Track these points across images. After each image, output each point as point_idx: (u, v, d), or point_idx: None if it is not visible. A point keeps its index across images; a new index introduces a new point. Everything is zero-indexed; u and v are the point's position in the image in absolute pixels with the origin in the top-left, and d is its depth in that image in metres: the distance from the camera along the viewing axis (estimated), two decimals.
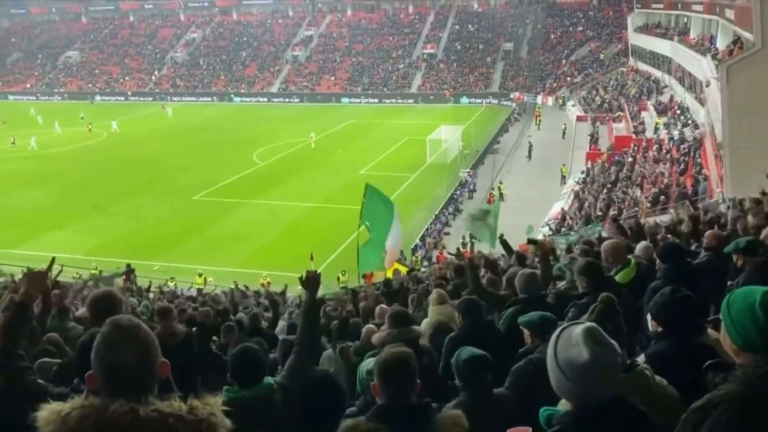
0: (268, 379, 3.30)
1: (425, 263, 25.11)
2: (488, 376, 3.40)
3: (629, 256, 5.49)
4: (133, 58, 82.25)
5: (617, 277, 5.20)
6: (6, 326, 2.90)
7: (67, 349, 4.41)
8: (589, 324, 1.97)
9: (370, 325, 5.92)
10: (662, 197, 23.06)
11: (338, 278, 21.65)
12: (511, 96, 62.12)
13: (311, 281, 3.80)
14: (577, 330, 1.93)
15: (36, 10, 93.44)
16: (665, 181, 25.33)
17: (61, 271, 12.42)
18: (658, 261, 5.16)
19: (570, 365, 1.86)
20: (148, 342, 1.82)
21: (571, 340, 1.91)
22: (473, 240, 23.31)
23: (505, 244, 8.54)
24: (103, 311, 3.32)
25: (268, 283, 21.99)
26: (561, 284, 5.64)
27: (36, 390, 2.78)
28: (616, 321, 3.21)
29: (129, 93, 75.65)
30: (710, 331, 2.99)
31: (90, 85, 78.28)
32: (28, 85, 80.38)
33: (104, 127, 54.81)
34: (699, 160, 26.33)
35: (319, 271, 3.96)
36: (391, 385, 2.58)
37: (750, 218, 6.30)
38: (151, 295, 14.22)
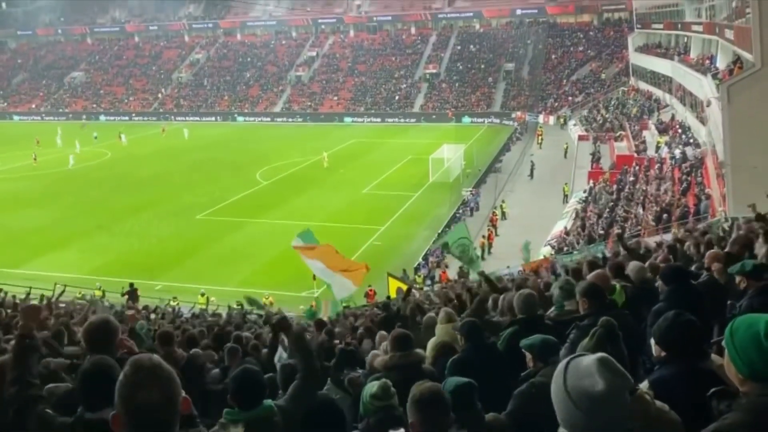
0: (269, 402, 3.31)
1: (428, 282, 25.07)
2: (476, 403, 3.35)
3: (613, 282, 5.51)
4: (138, 79, 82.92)
5: (618, 301, 5.22)
6: (14, 357, 3.01)
7: (62, 375, 4.38)
8: (600, 354, 1.94)
9: (375, 351, 5.89)
10: (665, 216, 23.05)
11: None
12: (513, 115, 62.40)
13: (281, 325, 3.84)
14: (588, 360, 1.91)
15: (42, 32, 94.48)
16: (667, 199, 25.33)
17: (63, 292, 12.46)
18: (660, 283, 5.16)
19: (584, 396, 1.83)
20: (170, 380, 1.85)
21: (581, 371, 1.88)
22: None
23: (487, 280, 8.29)
24: (99, 340, 3.33)
25: (271, 303, 21.93)
26: (551, 310, 5.61)
27: (43, 421, 2.82)
28: (617, 345, 3.20)
29: (133, 113, 76.18)
30: (714, 356, 2.98)
31: (95, 105, 78.87)
32: (34, 106, 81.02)
33: (108, 146, 55.15)
34: (701, 179, 26.34)
35: (284, 314, 4.08)
36: (428, 421, 2.61)
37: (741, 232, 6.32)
38: (152, 316, 14.17)
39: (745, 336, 1.86)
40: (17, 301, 12.37)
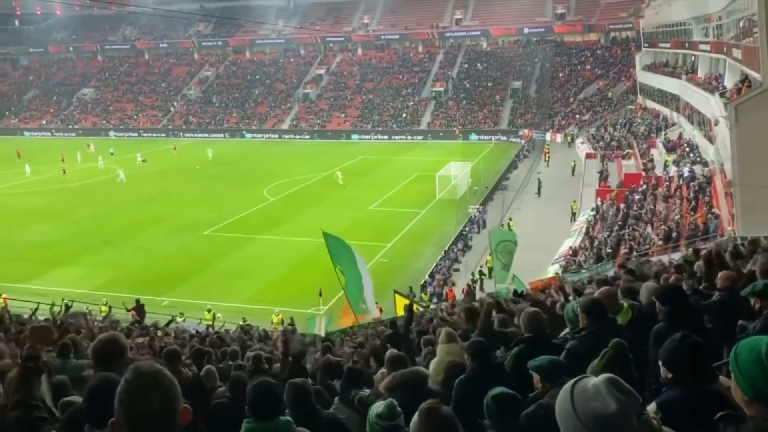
0: (287, 418, 3.37)
1: (434, 300, 24.99)
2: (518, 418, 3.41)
3: (621, 302, 5.49)
4: (147, 96, 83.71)
5: (619, 321, 5.20)
6: (19, 380, 3.02)
7: (72, 391, 4.39)
8: (607, 375, 1.93)
9: (384, 370, 5.86)
10: (673, 235, 22.94)
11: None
12: (520, 133, 62.53)
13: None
14: (596, 381, 1.90)
15: (54, 49, 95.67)
16: (676, 218, 25.22)
17: (70, 307, 12.49)
18: (657, 303, 5.10)
19: (595, 418, 1.82)
20: (171, 388, 1.85)
21: (589, 392, 1.87)
22: (482, 277, 23.28)
23: (497, 303, 8.34)
24: (107, 357, 3.34)
25: (282, 320, 21.92)
26: (565, 331, 5.60)
27: None
28: (627, 367, 3.19)
29: (142, 130, 76.83)
30: (722, 378, 2.96)
31: (104, 122, 79.60)
32: (44, 122, 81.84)
33: (118, 162, 55.58)
34: (709, 198, 26.24)
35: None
36: None
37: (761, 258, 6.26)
38: (159, 333, 14.18)
39: (748, 358, 1.86)
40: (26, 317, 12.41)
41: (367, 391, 5.31)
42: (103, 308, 21.66)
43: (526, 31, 78.02)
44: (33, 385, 3.07)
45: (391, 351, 5.12)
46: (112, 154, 58.21)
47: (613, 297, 5.38)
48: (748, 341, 1.92)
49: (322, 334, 16.85)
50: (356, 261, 16.27)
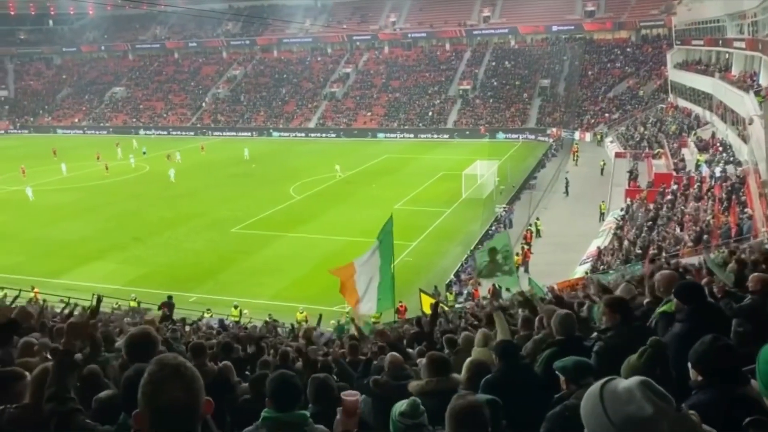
0: (305, 412, 3.44)
1: (459, 299, 24.87)
2: (500, 422, 3.44)
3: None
4: (177, 94, 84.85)
5: (664, 307, 5.08)
6: (54, 374, 3.10)
7: (105, 380, 4.45)
8: (641, 377, 1.89)
9: (393, 353, 5.84)
10: (704, 236, 22.50)
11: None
12: (548, 131, 61.97)
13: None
14: (628, 384, 1.86)
15: (86, 48, 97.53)
16: (707, 219, 24.74)
17: (100, 302, 12.71)
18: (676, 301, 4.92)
19: (631, 422, 1.78)
20: (193, 380, 1.86)
21: (621, 396, 1.83)
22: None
23: (526, 300, 8.22)
24: (140, 351, 3.39)
25: (306, 318, 22.03)
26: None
27: (85, 431, 2.88)
28: (666, 366, 3.10)
29: (171, 128, 77.91)
30: (753, 381, 2.88)
31: (134, 120, 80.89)
32: (76, 120, 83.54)
33: (147, 160, 56.49)
34: (743, 198, 25.68)
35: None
36: None
37: None
38: (187, 329, 14.35)
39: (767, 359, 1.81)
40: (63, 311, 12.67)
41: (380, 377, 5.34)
42: (132, 303, 22.00)
43: (555, 28, 77.23)
44: (67, 379, 3.14)
45: (434, 353, 5.09)
46: (144, 153, 58.96)
47: (675, 282, 5.22)
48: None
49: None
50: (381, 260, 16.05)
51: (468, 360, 5.50)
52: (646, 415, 1.78)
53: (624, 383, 1.87)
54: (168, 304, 21.00)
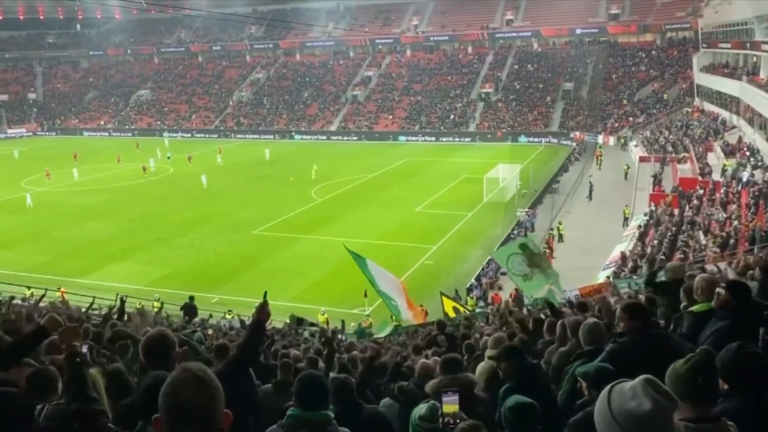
0: (329, 413, 3.47)
1: (480, 303, 24.76)
2: (536, 425, 3.41)
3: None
4: (201, 97, 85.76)
5: (695, 308, 5.04)
6: (68, 376, 3.17)
7: (130, 380, 4.49)
8: (646, 375, 1.94)
9: (424, 360, 5.87)
10: (731, 242, 22.13)
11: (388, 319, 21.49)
12: (571, 135, 61.46)
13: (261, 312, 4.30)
14: (633, 382, 1.90)
15: (112, 52, 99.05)
16: (734, 225, 24.32)
17: (125, 302, 12.86)
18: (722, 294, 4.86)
19: (630, 418, 1.82)
20: (213, 388, 1.90)
21: (626, 393, 1.87)
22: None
23: (550, 305, 8.23)
24: (156, 353, 3.41)
25: (327, 320, 22.10)
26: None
27: None
28: (713, 376, 3.02)
29: (195, 130, 78.71)
30: None
31: (159, 123, 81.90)
32: (102, 122, 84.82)
33: (172, 162, 57.20)
34: None
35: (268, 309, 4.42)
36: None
37: None
38: (210, 331, 14.45)
39: None
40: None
41: (407, 383, 5.35)
42: (156, 304, 22.22)
43: (578, 31, 76.63)
44: (86, 378, 3.18)
45: (448, 355, 5.11)
46: (168, 158, 58.97)
47: (714, 286, 5.16)
48: None
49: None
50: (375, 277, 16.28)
51: (485, 365, 5.49)
52: (644, 410, 1.81)
53: (631, 382, 1.92)
54: (190, 306, 21.24)
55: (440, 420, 3.08)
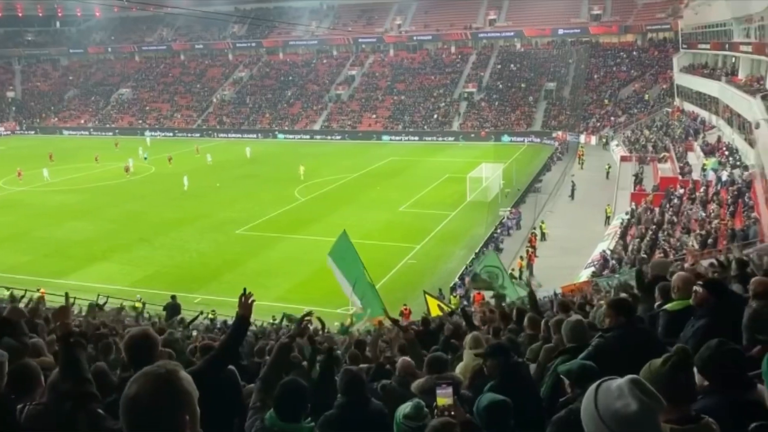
0: (310, 424, 3.41)
1: (463, 302, 24.82)
2: (510, 422, 3.41)
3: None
4: (183, 96, 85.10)
5: (669, 306, 5.11)
6: (63, 356, 3.10)
7: (113, 380, 4.45)
8: (632, 375, 1.95)
9: (405, 358, 5.86)
10: (710, 240, 22.43)
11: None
12: (554, 135, 61.89)
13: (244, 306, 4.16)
14: (619, 382, 1.90)
15: (93, 50, 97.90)
16: (713, 223, 24.66)
17: (106, 302, 12.75)
18: (700, 292, 4.94)
19: (616, 418, 1.83)
20: (171, 388, 1.84)
21: (612, 393, 1.87)
22: (513, 280, 22.98)
23: (532, 299, 8.31)
24: (140, 352, 3.37)
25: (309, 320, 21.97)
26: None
27: (93, 419, 2.87)
28: (690, 375, 3.08)
29: (177, 129, 78.08)
30: (760, 386, 2.86)
31: (140, 122, 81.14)
32: (83, 121, 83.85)
33: (153, 161, 56.70)
34: (750, 202, 25.61)
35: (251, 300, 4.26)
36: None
37: None
38: (194, 333, 14.35)
39: None
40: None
41: (389, 381, 5.36)
42: (138, 304, 22.03)
43: (560, 32, 77.16)
44: (80, 358, 3.13)
45: (433, 354, 5.12)
46: (145, 159, 58.00)
47: (690, 284, 5.23)
48: None
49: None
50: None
51: (463, 365, 5.53)
52: (631, 411, 1.82)
53: (617, 381, 1.92)
54: (172, 306, 21.06)
55: (435, 412, 3.09)
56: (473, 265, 15.96)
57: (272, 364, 3.98)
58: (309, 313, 4.23)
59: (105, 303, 16.84)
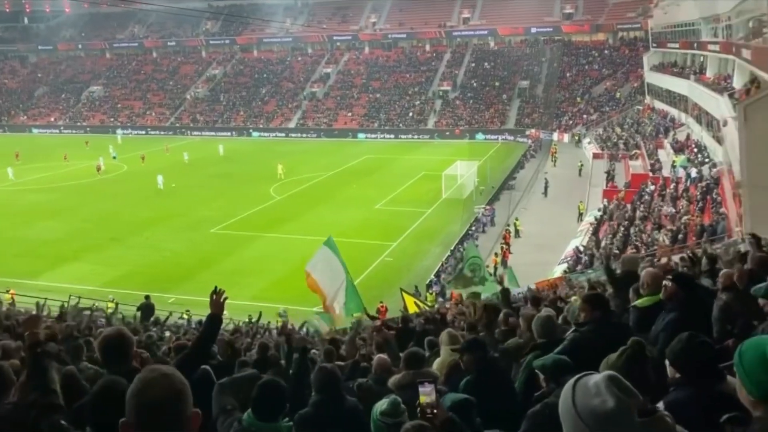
0: (288, 423, 3.37)
1: (439, 299, 24.94)
2: (474, 420, 3.44)
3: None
4: (155, 93, 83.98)
5: (639, 302, 5.19)
6: (30, 366, 3.07)
7: (84, 384, 4.39)
8: (609, 372, 1.94)
9: (382, 356, 5.88)
10: (680, 236, 22.85)
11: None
12: (527, 133, 62.41)
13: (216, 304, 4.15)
14: (597, 378, 1.90)
15: (63, 47, 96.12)
16: (683, 219, 25.11)
17: (78, 303, 12.55)
18: (669, 286, 5.05)
19: (593, 415, 1.82)
20: (181, 385, 1.90)
21: (590, 389, 1.87)
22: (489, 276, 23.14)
23: (504, 295, 8.34)
24: (114, 352, 3.33)
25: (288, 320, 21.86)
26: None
27: (56, 431, 2.84)
28: (644, 367, 3.15)
29: (149, 127, 77.04)
30: (730, 378, 2.93)
31: (112, 119, 79.89)
32: (53, 119, 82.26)
33: (125, 160, 55.89)
34: (718, 198, 26.13)
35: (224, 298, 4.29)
36: None
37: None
38: (167, 334, 14.19)
39: (753, 357, 1.86)
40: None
41: (365, 380, 5.36)
42: (110, 305, 21.71)
43: (533, 30, 77.80)
44: (47, 369, 3.09)
45: (411, 350, 5.14)
46: (114, 158, 56.75)
47: (659, 280, 5.32)
48: (753, 341, 1.92)
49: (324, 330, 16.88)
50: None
51: (440, 361, 5.56)
52: (608, 409, 1.81)
53: (595, 378, 1.91)
54: (146, 306, 20.79)
55: (417, 410, 3.10)
56: (457, 268, 15.96)
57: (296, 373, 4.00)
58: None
59: (77, 304, 16.56)
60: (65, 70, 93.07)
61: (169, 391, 1.84)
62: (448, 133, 66.13)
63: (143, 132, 75.98)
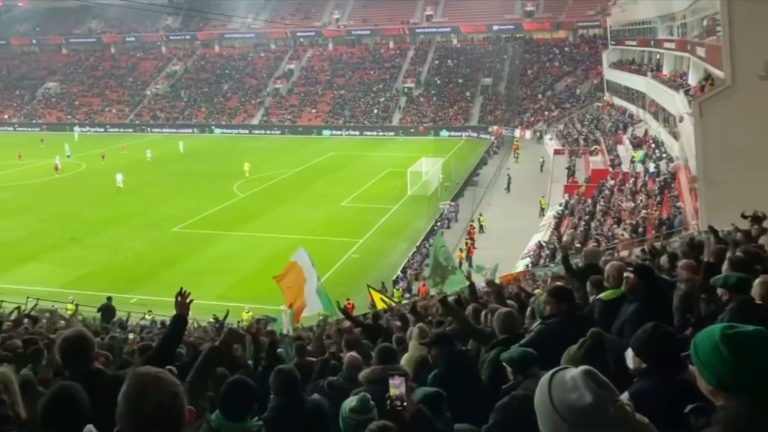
0: (257, 423, 3.34)
1: (406, 295, 25.05)
2: (445, 413, 3.49)
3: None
4: (114, 90, 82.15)
5: (603, 295, 5.30)
6: None
7: (41, 390, 4.27)
8: (585, 367, 1.96)
9: (352, 353, 5.88)
10: (639, 230, 23.38)
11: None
12: (490, 129, 62.96)
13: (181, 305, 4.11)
14: (573, 373, 1.91)
15: (16, 42, 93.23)
16: (642, 213, 25.69)
17: (36, 306, 12.23)
18: (630, 278, 5.18)
19: (571, 410, 1.83)
20: (175, 385, 1.86)
21: (566, 384, 1.88)
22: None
23: (472, 291, 8.45)
24: (75, 354, 3.25)
25: (253, 316, 21.73)
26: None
27: None
28: (604, 357, 3.23)
29: (108, 125, 75.33)
30: (691, 367, 3.01)
31: (69, 117, 77.85)
32: (6, 116, 79.73)
33: (84, 158, 54.56)
34: (675, 192, 26.79)
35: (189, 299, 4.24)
36: None
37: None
38: (131, 335, 13.93)
39: (706, 347, 1.91)
40: None
41: (336, 378, 5.36)
42: (70, 306, 21.20)
43: (495, 28, 78.51)
44: None
45: (383, 344, 5.14)
46: (68, 157, 55.10)
47: (621, 270, 5.43)
48: (705, 331, 1.97)
49: (290, 330, 16.80)
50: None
51: (408, 356, 5.59)
52: (585, 403, 1.83)
53: (571, 372, 1.92)
54: (107, 307, 20.39)
55: (387, 403, 3.11)
56: (431, 262, 16.00)
57: (199, 368, 3.68)
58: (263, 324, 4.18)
59: (35, 305, 16.08)
60: (19, 66, 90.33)
61: (165, 395, 1.80)
62: (412, 130, 66.32)
63: (102, 130, 74.26)
